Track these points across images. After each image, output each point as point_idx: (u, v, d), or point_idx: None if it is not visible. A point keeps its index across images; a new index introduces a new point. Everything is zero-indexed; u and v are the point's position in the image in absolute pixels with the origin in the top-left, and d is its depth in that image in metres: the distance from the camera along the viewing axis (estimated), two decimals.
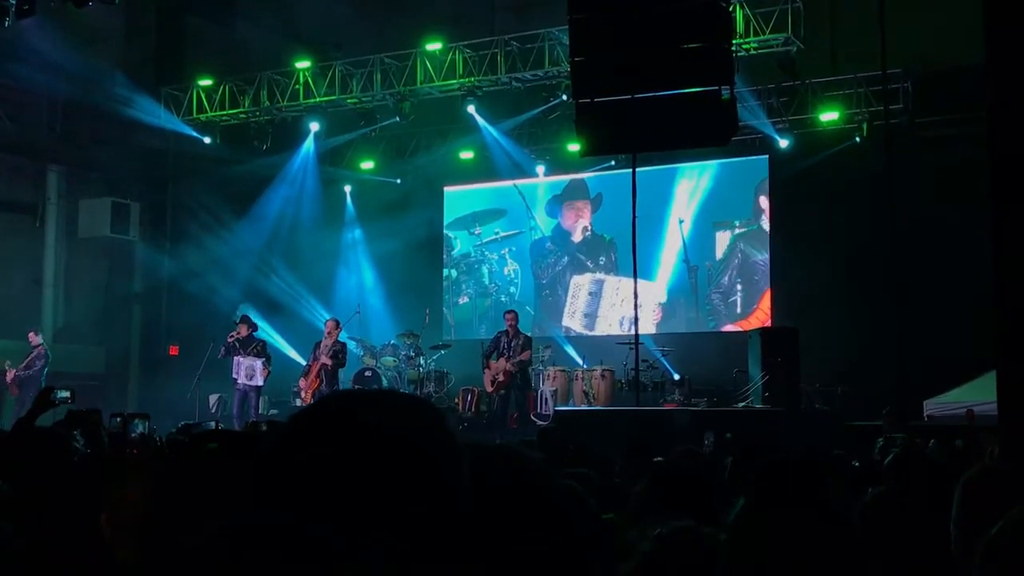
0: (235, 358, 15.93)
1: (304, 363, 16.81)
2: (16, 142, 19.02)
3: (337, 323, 16.30)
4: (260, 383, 15.97)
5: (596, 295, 19.53)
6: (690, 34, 11.62)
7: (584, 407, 15.59)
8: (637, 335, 14.35)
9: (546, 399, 15.99)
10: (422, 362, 17.43)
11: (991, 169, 6.32)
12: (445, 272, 20.72)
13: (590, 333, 19.28)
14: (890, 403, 13.78)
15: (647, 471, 4.34)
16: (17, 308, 18.49)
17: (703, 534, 2.34)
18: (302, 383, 16.22)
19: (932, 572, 2.98)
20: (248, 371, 15.91)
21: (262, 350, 16.13)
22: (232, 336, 16.07)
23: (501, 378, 15.48)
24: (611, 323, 19.29)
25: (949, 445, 8.01)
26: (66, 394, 6.02)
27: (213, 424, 10.84)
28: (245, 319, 16.59)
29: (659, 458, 6.38)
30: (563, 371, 16.73)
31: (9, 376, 16.59)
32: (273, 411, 17.76)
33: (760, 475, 3.70)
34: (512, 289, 20.06)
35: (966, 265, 15.73)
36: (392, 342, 18.09)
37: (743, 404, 13.91)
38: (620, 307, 19.11)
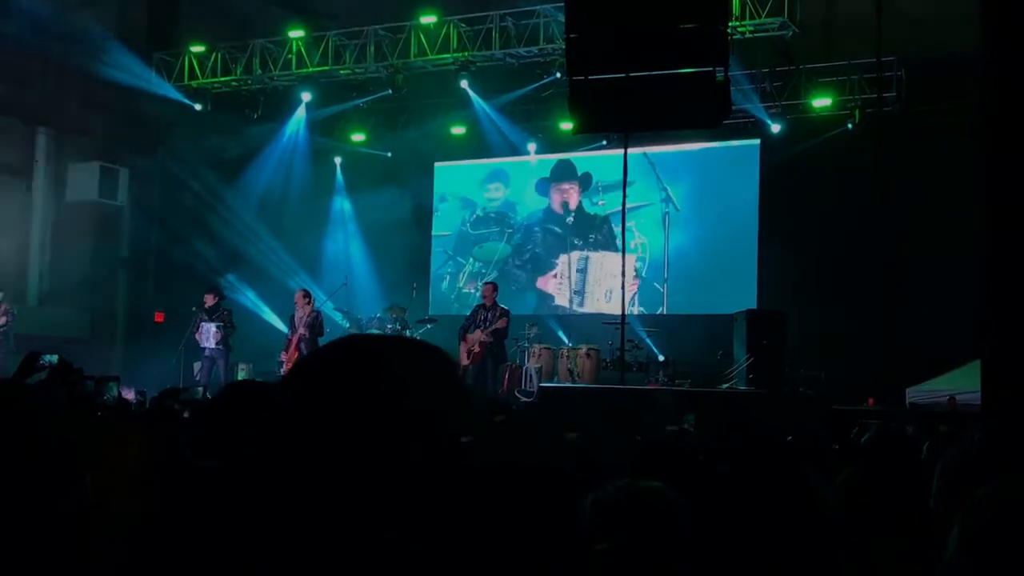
0: (201, 324, 16.08)
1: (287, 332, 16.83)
2: (6, 104, 18.90)
3: (306, 293, 16.31)
4: (211, 344, 16.00)
5: (583, 272, 19.60)
6: (686, 14, 11.62)
7: (568, 384, 15.63)
8: (624, 315, 14.40)
9: (531, 376, 16.00)
10: (408, 336, 17.44)
11: (983, 159, 6.34)
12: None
13: (581, 310, 19.40)
14: (873, 389, 13.91)
15: (631, 442, 4.38)
16: (2, 271, 18.42)
17: (646, 490, 2.37)
18: (283, 357, 16.21)
19: (909, 547, 3.01)
20: (205, 333, 16.00)
21: (223, 316, 16.20)
22: (196, 307, 16.27)
23: (476, 349, 15.44)
24: (597, 299, 19.41)
25: (932, 431, 8.06)
26: (53, 358, 6.00)
27: (201, 390, 10.85)
28: (212, 288, 16.64)
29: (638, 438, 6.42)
30: (548, 349, 16.75)
31: None
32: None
33: (737, 451, 3.74)
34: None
35: (953, 255, 15.83)
36: (378, 315, 18.07)
37: (727, 385, 13.96)
38: (604, 282, 19.35)
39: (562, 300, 19.80)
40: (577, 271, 19.72)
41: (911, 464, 3.74)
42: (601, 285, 19.51)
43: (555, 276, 19.95)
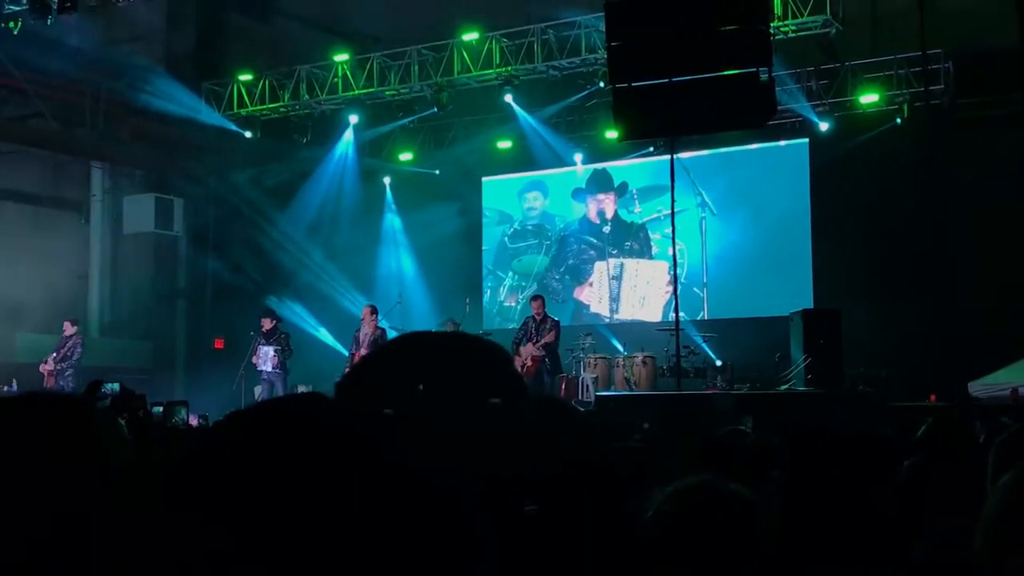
0: (259, 348, 16.20)
1: (346, 353, 16.95)
2: (61, 140, 19.30)
3: (373, 309, 16.38)
4: (268, 368, 16.11)
5: (618, 279, 19.60)
6: (727, 16, 11.59)
7: (626, 392, 15.60)
8: (678, 321, 14.34)
9: (587, 386, 15.99)
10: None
11: None
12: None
13: (617, 317, 19.36)
14: (935, 385, 13.75)
15: (690, 445, 4.38)
16: (64, 303, 18.75)
17: (724, 488, 2.35)
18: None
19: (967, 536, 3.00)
20: (263, 357, 16.12)
21: (280, 339, 16.29)
22: (254, 331, 16.41)
23: (529, 363, 15.47)
24: (632, 305, 19.37)
25: (995, 423, 7.96)
26: (115, 387, 6.13)
27: None
28: (268, 312, 16.77)
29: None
30: (604, 358, 16.73)
31: (48, 367, 16.51)
32: None
33: (792, 444, 3.73)
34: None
35: (1009, 245, 15.63)
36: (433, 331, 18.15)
37: (785, 387, 13.86)
38: (639, 288, 19.45)
39: (598, 308, 19.79)
40: (612, 278, 19.72)
41: (968, 454, 3.72)
42: (636, 292, 19.50)
43: (591, 284, 19.96)
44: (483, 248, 20.93)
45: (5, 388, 16.68)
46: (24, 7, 15.69)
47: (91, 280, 20.10)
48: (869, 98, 17.14)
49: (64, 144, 19.41)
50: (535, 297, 16.45)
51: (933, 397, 13.44)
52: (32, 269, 19.56)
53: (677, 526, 2.26)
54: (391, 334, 17.27)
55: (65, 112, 19.26)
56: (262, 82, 19.40)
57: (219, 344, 19.87)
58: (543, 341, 15.49)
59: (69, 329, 16.63)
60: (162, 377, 19.39)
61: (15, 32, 15.90)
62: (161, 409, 7.89)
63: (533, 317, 15.90)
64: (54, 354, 16.45)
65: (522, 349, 15.61)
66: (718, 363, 16.62)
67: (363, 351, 15.92)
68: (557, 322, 15.87)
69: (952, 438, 3.99)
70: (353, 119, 19.70)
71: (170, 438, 4.26)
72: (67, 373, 16.29)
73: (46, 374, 16.39)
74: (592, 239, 20.05)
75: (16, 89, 18.41)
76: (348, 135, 20.05)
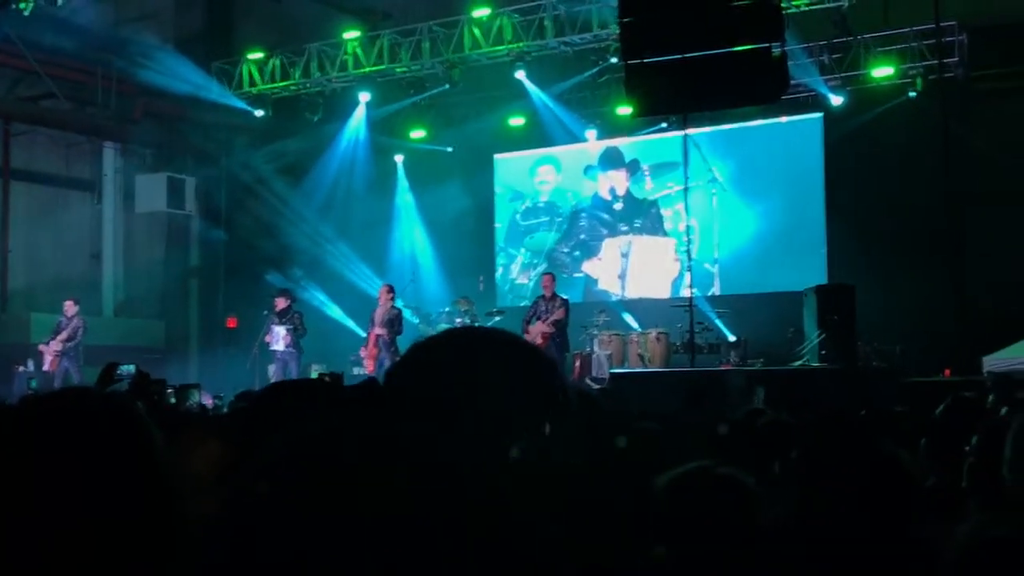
0: (272, 328, 16.19)
1: (363, 333, 16.97)
2: (72, 120, 19.32)
3: (390, 288, 16.38)
4: (281, 348, 16.09)
5: (626, 256, 19.56)
6: None
7: (640, 369, 15.60)
8: (691, 297, 14.36)
9: (601, 363, 16.00)
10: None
11: None
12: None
13: (625, 294, 19.34)
14: (950, 360, 13.71)
15: (705, 419, 4.37)
16: (77, 283, 18.81)
17: (717, 473, 2.34)
18: (363, 352, 16.39)
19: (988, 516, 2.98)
20: (275, 336, 16.11)
21: (293, 319, 16.27)
22: (268, 311, 16.41)
23: (539, 341, 15.43)
24: (640, 282, 19.35)
25: (1010, 398, 7.92)
26: (130, 368, 6.13)
27: None
28: (282, 291, 16.75)
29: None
30: (618, 335, 16.73)
31: (55, 348, 16.38)
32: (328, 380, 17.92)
33: (808, 428, 3.72)
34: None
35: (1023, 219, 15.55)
36: (447, 309, 18.16)
37: (799, 363, 13.83)
38: (648, 265, 19.44)
39: (607, 284, 19.74)
40: (621, 255, 19.66)
41: (986, 433, 3.69)
42: (645, 268, 19.44)
43: (599, 260, 19.91)
44: (495, 225, 20.90)
45: (20, 368, 16.77)
46: None
47: (104, 260, 20.13)
48: (883, 71, 17.02)
49: (76, 124, 19.43)
50: (546, 274, 16.46)
51: (948, 372, 13.42)
52: (45, 249, 19.62)
53: (672, 516, 2.25)
54: (406, 313, 17.31)
55: (76, 92, 19.27)
56: (272, 60, 19.34)
57: (232, 323, 19.90)
58: (553, 318, 15.47)
59: (71, 309, 16.64)
60: (175, 356, 19.44)
61: (26, 13, 15.87)
62: (172, 392, 7.89)
63: (543, 296, 15.88)
64: (60, 334, 16.47)
65: (531, 328, 15.57)
66: (731, 339, 16.61)
67: (377, 330, 15.94)
68: (566, 300, 15.84)
69: (969, 418, 3.96)
70: (364, 97, 19.61)
71: (190, 425, 4.24)
72: (71, 354, 16.35)
73: (50, 356, 16.41)
74: (604, 215, 20.00)
75: (28, 70, 18.42)
76: (360, 113, 19.97)
